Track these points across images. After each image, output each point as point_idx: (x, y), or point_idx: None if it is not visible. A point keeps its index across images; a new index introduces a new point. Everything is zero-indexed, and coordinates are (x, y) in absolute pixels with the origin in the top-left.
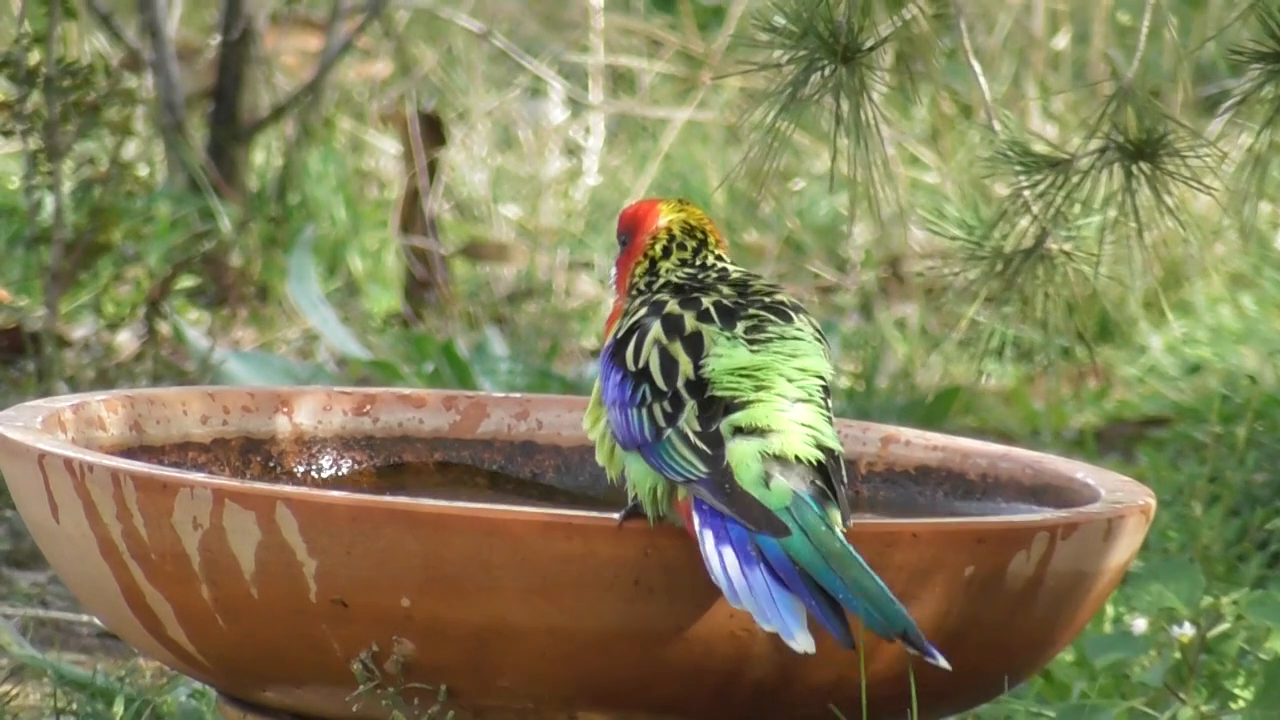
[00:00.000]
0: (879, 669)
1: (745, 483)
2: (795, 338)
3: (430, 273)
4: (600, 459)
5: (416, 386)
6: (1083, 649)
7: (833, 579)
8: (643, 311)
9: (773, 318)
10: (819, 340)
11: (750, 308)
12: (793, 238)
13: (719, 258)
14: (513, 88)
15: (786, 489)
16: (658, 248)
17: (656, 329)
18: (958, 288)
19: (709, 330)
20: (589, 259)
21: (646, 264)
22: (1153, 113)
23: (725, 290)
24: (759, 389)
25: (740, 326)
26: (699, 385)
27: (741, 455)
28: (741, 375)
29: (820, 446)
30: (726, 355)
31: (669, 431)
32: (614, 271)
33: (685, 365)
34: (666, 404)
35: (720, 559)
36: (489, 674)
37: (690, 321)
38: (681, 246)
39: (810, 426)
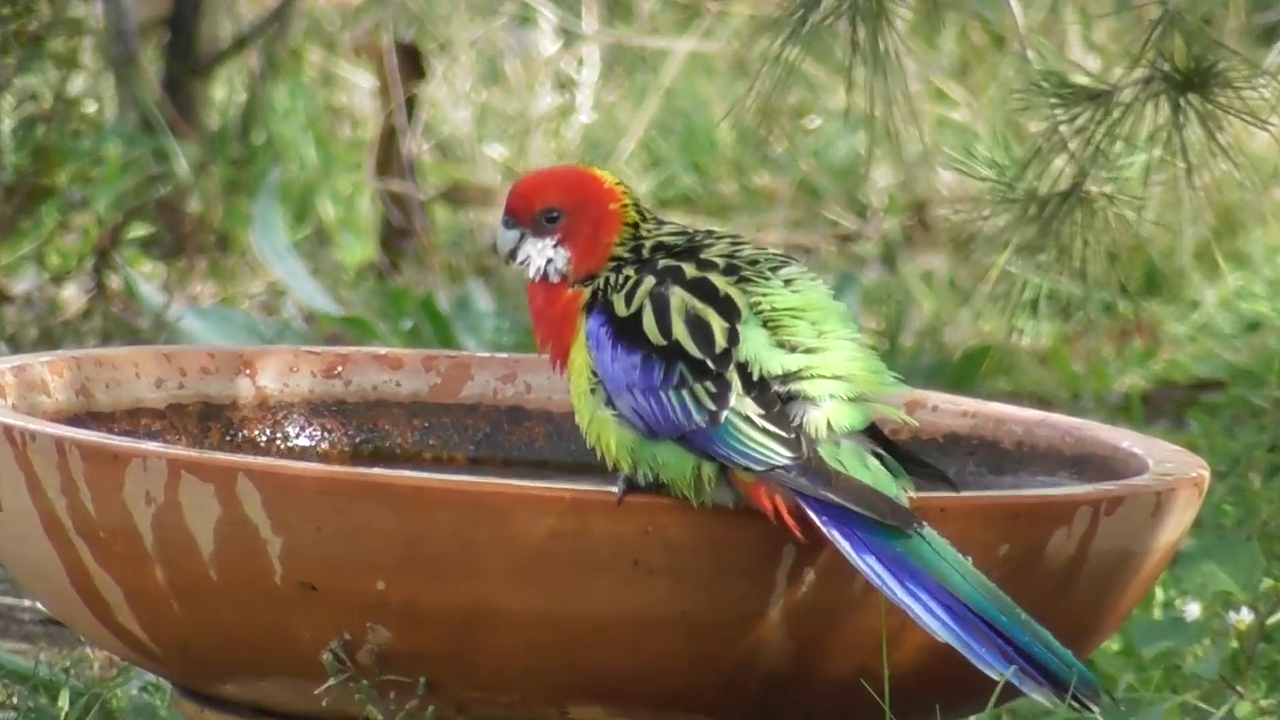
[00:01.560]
0: (901, 659)
1: (846, 466)
2: (816, 279)
3: (408, 220)
4: (609, 449)
5: (393, 345)
6: (1129, 637)
7: (981, 599)
8: (647, 279)
9: (788, 262)
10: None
11: (760, 256)
12: (807, 181)
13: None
14: (499, 15)
15: (884, 471)
16: (632, 213)
17: (681, 293)
18: (987, 234)
19: (744, 277)
20: None
21: (630, 231)
22: (1203, 40)
23: (725, 245)
24: (821, 334)
25: (767, 268)
26: (737, 350)
27: (823, 427)
28: (795, 316)
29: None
30: (775, 294)
31: (726, 413)
32: (562, 253)
33: (719, 332)
34: (710, 383)
35: (905, 587)
36: (472, 664)
37: (719, 279)
38: (650, 213)
39: (878, 373)
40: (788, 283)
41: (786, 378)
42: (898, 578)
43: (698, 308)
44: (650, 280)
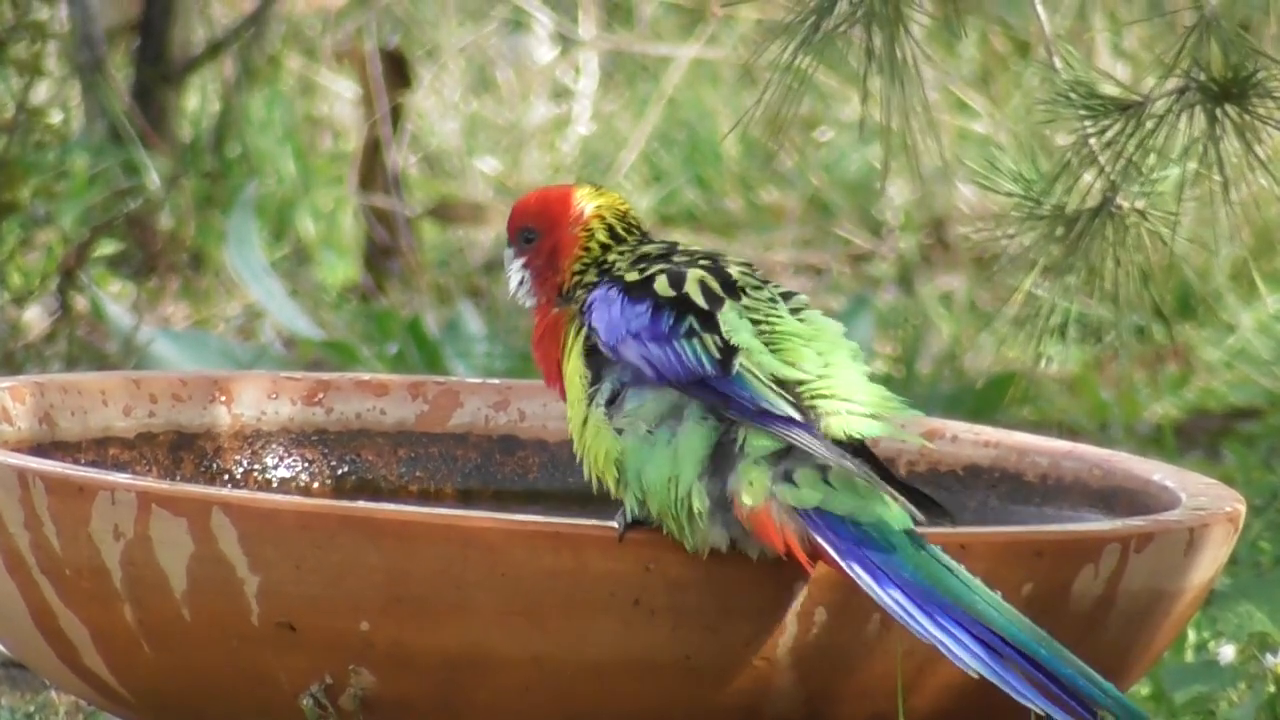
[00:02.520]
0: (919, 704)
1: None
2: (826, 316)
3: (394, 238)
4: (596, 460)
5: (377, 371)
6: (1160, 680)
7: (1015, 630)
8: (658, 264)
9: (794, 294)
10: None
11: (766, 284)
12: (818, 196)
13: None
14: (490, 20)
15: (877, 495)
16: (600, 236)
17: (696, 270)
18: (1012, 254)
19: (749, 305)
20: None
21: (595, 253)
22: (1241, 47)
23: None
24: (827, 364)
25: (776, 293)
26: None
27: (831, 428)
28: (802, 342)
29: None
30: (781, 319)
31: (738, 363)
32: (526, 275)
33: (730, 306)
34: (718, 336)
35: (918, 609)
36: (462, 710)
37: (729, 271)
38: (630, 231)
39: (889, 402)
40: (795, 311)
41: (789, 385)
42: (926, 611)
43: (711, 283)
44: (661, 264)
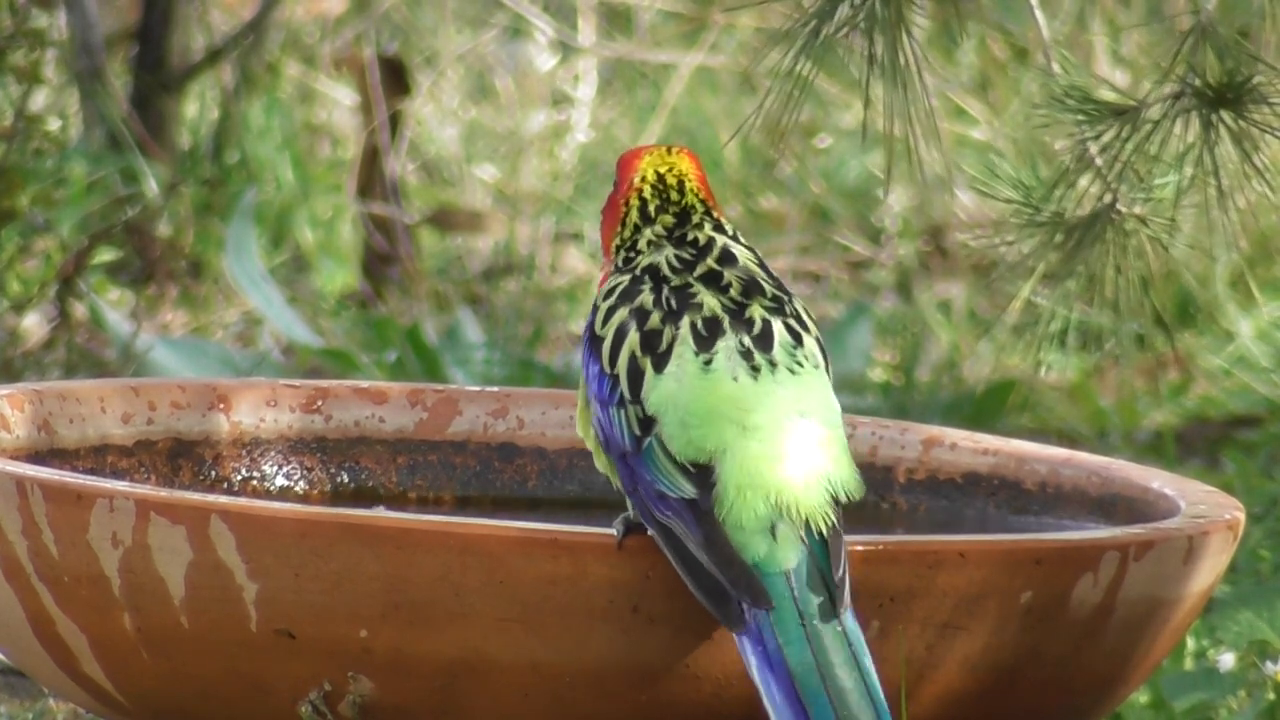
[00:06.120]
0: (918, 711)
1: (739, 525)
2: (794, 367)
3: (392, 245)
4: (600, 465)
5: (376, 378)
6: (1159, 689)
7: (822, 703)
8: (622, 306)
9: (773, 334)
10: (824, 371)
11: (744, 318)
12: (818, 203)
13: (717, 226)
14: (489, 27)
15: (793, 552)
16: (634, 212)
17: (634, 338)
18: (1011, 261)
19: (681, 351)
20: (578, 229)
21: (630, 228)
22: (1236, 53)
23: (718, 296)
24: (745, 431)
25: (722, 349)
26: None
27: (739, 485)
28: (720, 416)
29: (833, 499)
30: (702, 389)
31: (650, 439)
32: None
33: (650, 381)
34: (640, 408)
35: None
36: (461, 716)
37: (665, 339)
38: (663, 210)
39: (826, 464)
40: (755, 370)
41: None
42: (755, 653)
43: (639, 356)
44: (624, 312)
